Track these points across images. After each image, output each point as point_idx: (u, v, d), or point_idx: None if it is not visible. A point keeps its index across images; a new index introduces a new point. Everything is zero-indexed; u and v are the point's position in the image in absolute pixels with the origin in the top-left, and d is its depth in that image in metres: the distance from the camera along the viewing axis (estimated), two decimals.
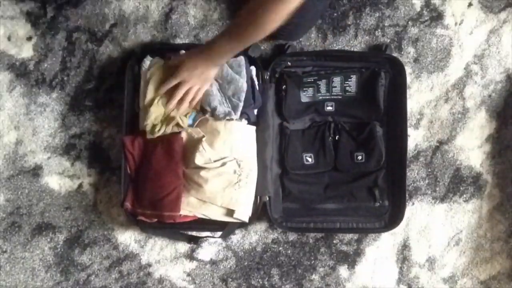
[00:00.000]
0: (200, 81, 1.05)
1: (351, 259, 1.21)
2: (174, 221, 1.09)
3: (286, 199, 1.17)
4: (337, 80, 1.15)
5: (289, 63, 1.16)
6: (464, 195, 1.22)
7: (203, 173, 1.07)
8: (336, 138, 1.17)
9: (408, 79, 1.19)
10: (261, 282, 1.21)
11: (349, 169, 1.17)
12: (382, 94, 1.15)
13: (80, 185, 1.21)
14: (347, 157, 1.16)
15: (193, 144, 1.09)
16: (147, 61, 1.12)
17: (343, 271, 1.21)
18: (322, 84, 1.16)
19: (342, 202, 1.17)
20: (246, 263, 1.21)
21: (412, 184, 1.21)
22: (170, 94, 1.07)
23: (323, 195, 1.17)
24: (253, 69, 1.13)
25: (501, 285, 1.23)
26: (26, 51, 1.20)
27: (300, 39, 1.20)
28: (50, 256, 1.21)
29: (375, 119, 1.16)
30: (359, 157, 1.16)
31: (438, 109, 1.21)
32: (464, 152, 1.22)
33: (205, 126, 1.11)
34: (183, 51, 1.11)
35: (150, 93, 1.08)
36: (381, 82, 1.14)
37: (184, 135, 1.10)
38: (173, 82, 1.06)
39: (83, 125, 1.20)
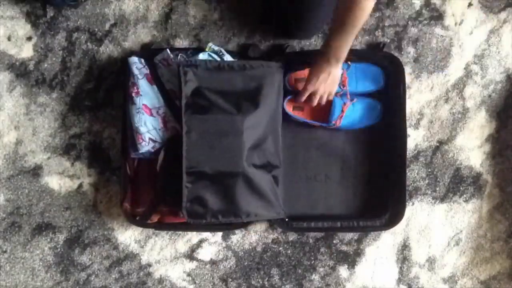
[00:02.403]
0: (329, 86, 1.07)
1: (351, 259, 1.21)
2: (174, 216, 1.10)
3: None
4: None
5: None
6: (464, 195, 1.22)
7: None
8: None
9: (408, 79, 1.19)
10: (261, 282, 1.21)
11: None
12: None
13: (80, 185, 1.21)
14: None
15: None
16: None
17: (343, 271, 1.21)
18: None
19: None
20: (246, 263, 1.21)
21: (412, 184, 1.21)
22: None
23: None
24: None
25: (501, 285, 1.23)
26: (26, 51, 1.20)
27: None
28: (50, 256, 1.21)
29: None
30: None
31: (438, 109, 1.21)
32: (464, 152, 1.22)
33: None
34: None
35: None
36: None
37: None
38: (305, 96, 1.08)
39: (83, 125, 1.20)
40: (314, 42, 1.20)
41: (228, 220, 1.07)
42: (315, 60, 1.04)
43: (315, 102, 1.09)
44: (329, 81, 1.06)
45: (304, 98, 1.09)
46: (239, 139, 1.04)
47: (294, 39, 1.19)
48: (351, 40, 0.98)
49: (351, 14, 0.92)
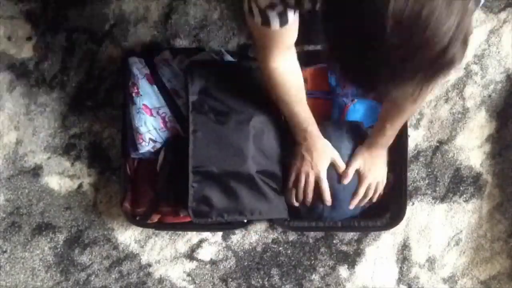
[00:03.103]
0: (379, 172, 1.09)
1: (351, 259, 1.21)
2: (174, 216, 1.10)
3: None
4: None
5: None
6: (464, 195, 1.22)
7: None
8: None
9: None
10: (261, 282, 1.21)
11: None
12: None
13: (80, 185, 1.21)
14: None
15: None
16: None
17: (343, 271, 1.22)
18: None
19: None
20: (246, 263, 1.21)
21: (412, 184, 1.21)
22: None
23: None
24: None
25: (501, 285, 1.23)
26: (26, 51, 1.20)
27: None
28: (50, 256, 1.21)
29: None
30: None
31: (438, 109, 1.21)
32: (464, 152, 1.22)
33: None
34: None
35: None
36: None
37: None
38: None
39: (83, 125, 1.20)
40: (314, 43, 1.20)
41: (233, 218, 1.07)
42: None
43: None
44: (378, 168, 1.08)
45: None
46: (245, 139, 1.04)
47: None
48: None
49: (399, 118, 0.97)
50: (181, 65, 1.10)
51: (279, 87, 0.93)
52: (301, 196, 1.06)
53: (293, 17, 0.78)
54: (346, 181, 1.05)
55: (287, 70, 0.91)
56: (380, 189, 1.09)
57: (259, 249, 1.21)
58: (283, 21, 0.77)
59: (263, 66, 0.90)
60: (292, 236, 1.21)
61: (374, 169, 1.06)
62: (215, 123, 1.05)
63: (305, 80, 1.14)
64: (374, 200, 1.10)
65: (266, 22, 0.77)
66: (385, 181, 1.09)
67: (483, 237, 1.22)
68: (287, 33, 0.81)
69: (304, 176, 1.04)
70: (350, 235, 1.21)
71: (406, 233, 1.21)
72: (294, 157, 1.05)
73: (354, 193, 1.06)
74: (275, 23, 0.77)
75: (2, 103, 1.20)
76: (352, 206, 1.07)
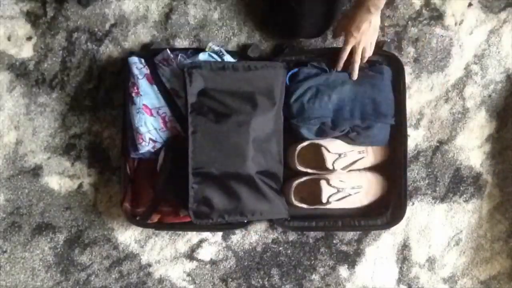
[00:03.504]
0: (371, 35, 1.05)
1: (351, 259, 1.21)
2: (174, 216, 1.10)
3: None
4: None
5: None
6: (464, 195, 1.22)
7: None
8: None
9: (408, 79, 1.19)
10: (261, 282, 1.21)
11: None
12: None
13: (80, 185, 1.21)
14: None
15: None
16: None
17: (343, 271, 1.22)
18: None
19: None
20: (246, 263, 1.21)
21: (412, 184, 1.21)
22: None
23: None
24: None
25: (501, 285, 1.23)
26: (26, 51, 1.20)
27: (300, 39, 1.20)
28: (50, 256, 1.21)
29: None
30: None
31: (438, 109, 1.21)
32: (464, 152, 1.22)
33: None
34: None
35: None
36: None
37: None
38: (347, 51, 1.05)
39: (83, 125, 1.20)
40: (314, 43, 1.20)
41: (234, 219, 1.07)
42: (353, 12, 1.01)
43: (359, 56, 1.06)
44: (371, 31, 1.03)
45: (346, 53, 1.06)
46: (245, 140, 1.04)
47: (301, 38, 1.18)
48: None
49: None
50: (181, 65, 1.10)
51: None
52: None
53: None
54: (343, 56, 1.07)
55: None
56: (372, 50, 1.08)
57: (259, 249, 1.21)
58: None
59: None
60: (292, 236, 1.21)
61: (364, 31, 1.02)
62: (214, 124, 1.04)
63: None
64: (364, 59, 1.09)
65: None
66: (374, 43, 1.08)
67: (483, 237, 1.22)
68: None
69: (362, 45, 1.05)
70: (350, 235, 1.21)
71: (406, 233, 1.21)
72: (357, 19, 1.01)
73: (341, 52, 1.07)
74: None
75: (2, 103, 1.20)
76: (339, 68, 1.09)
